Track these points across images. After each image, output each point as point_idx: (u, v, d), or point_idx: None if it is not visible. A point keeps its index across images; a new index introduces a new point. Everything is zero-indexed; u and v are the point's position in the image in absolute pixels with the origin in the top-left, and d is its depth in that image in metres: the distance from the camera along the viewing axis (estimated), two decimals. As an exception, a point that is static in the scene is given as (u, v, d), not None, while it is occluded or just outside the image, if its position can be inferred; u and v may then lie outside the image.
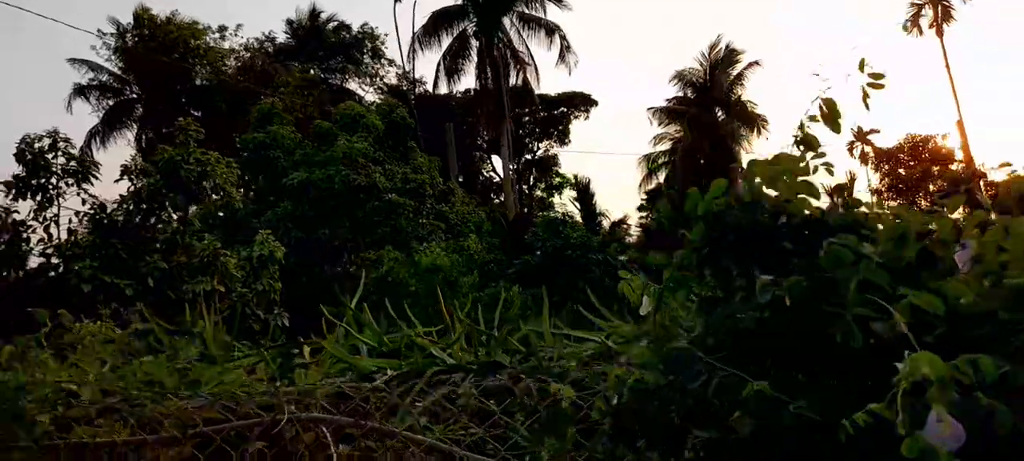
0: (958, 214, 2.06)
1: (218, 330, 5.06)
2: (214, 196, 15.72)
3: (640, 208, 49.00)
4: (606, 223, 38.33)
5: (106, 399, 3.03)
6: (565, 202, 43.67)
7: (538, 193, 55.75)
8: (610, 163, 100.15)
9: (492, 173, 53.42)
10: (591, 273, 24.20)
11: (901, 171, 35.31)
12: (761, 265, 1.89)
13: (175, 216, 14.50)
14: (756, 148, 41.54)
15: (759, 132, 44.85)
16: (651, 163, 48.70)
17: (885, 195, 36.07)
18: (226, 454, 2.83)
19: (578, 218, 34.14)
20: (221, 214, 19.95)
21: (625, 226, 40.79)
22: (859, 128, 56.87)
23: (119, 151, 38.58)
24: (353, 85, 44.75)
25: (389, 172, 20.27)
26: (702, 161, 45.44)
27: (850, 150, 56.10)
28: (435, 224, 21.87)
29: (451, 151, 33.53)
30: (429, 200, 22.59)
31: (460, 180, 33.37)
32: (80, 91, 37.37)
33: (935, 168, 34.12)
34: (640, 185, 49.91)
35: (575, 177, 38.78)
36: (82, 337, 3.32)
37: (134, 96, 39.13)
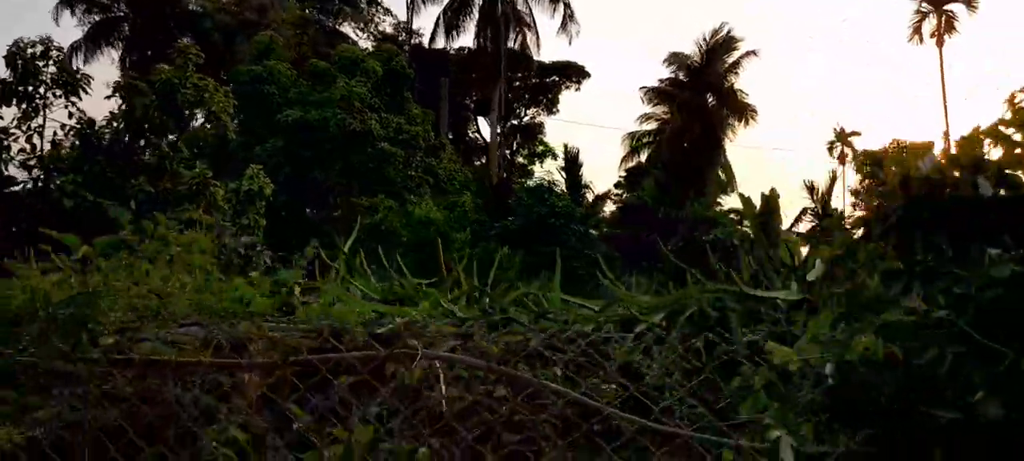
0: None
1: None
2: (207, 125, 15.38)
3: (617, 185, 48.95)
4: (590, 196, 38.33)
5: (189, 316, 2.91)
6: (550, 171, 43.45)
7: (520, 160, 55.52)
8: (597, 137, 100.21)
9: (477, 134, 53.03)
10: (569, 242, 24.27)
11: (880, 173, 35.69)
12: (981, 238, 1.82)
13: (165, 141, 14.16)
14: (741, 138, 41.71)
15: (747, 122, 45.00)
16: (635, 141, 48.65)
17: (866, 196, 36.50)
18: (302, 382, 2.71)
19: (563, 187, 34.09)
20: (209, 143, 19.57)
21: (610, 200, 40.80)
22: (841, 128, 57.36)
23: (101, 69, 37.57)
24: (347, 29, 43.93)
25: (384, 120, 20.00)
26: (687, 145, 45.55)
27: (830, 149, 56.59)
28: (424, 177, 21.70)
29: (444, 106, 33.20)
30: (419, 153, 22.38)
31: (450, 137, 33.09)
32: (67, 2, 36.23)
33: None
34: (621, 162, 49.91)
35: (565, 147, 38.62)
36: (163, 245, 3.17)
37: (121, 14, 38.04)
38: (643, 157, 51.70)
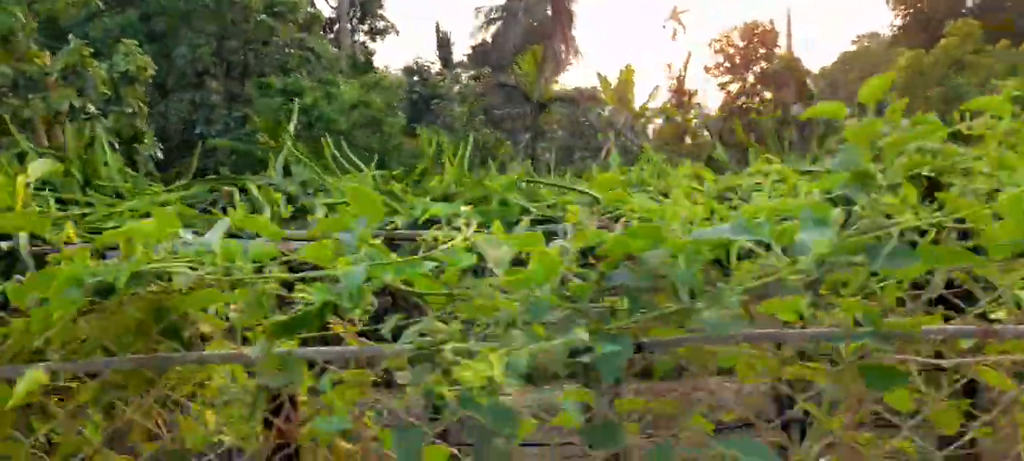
0: None
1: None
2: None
3: (451, 66, 47.53)
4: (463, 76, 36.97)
5: None
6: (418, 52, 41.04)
7: (362, 36, 52.28)
8: (440, 9, 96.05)
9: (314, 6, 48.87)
10: (453, 125, 23.23)
11: (730, 50, 37.54)
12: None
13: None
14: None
15: None
16: (487, 17, 47.30)
17: (716, 71, 38.25)
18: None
19: (440, 67, 32.58)
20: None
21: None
22: (675, 9, 59.57)
23: None
24: None
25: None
26: (536, 24, 44.97)
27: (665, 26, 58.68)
28: (303, 56, 19.45)
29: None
30: (294, 27, 19.94)
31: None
32: None
33: (761, 50, 36.67)
34: (472, 35, 48.46)
35: (437, 26, 36.58)
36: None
37: None
38: (490, 34, 50.58)
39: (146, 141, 12.65)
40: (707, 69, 38.13)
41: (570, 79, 48.92)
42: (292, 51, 19.18)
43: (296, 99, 10.84)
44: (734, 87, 37.23)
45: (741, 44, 36.65)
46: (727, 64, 36.94)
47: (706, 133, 32.93)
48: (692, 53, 44.66)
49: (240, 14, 17.13)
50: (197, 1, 16.42)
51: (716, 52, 37.35)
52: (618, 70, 41.03)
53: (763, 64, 35.68)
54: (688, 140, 34.79)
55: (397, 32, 50.22)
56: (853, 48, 45.09)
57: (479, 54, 48.58)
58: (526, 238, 1.23)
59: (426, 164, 8.36)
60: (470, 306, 1.16)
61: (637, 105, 37.05)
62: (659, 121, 36.56)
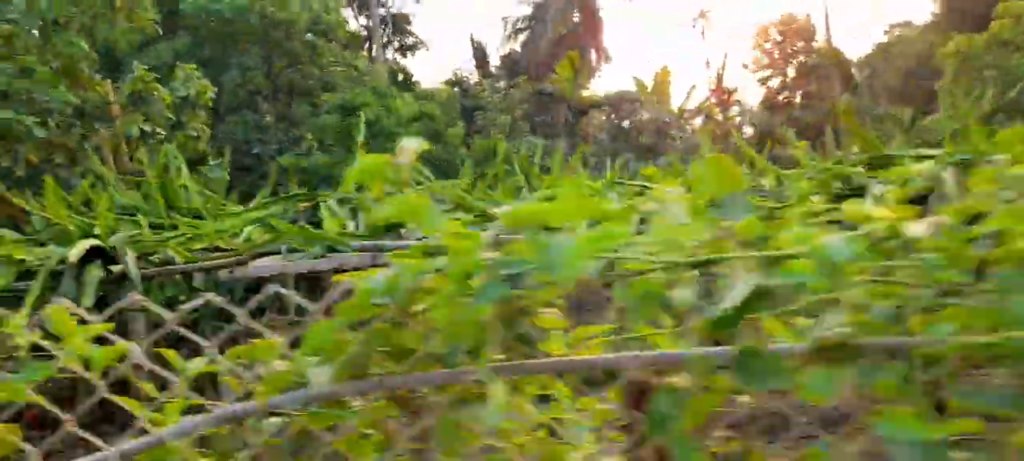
0: None
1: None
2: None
3: (488, 76, 47.56)
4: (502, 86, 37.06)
5: None
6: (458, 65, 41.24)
7: (390, 54, 52.68)
8: (462, 24, 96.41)
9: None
10: (496, 134, 23.15)
11: (768, 45, 37.08)
12: None
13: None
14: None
15: None
16: (515, 27, 47.31)
17: (754, 67, 37.81)
18: None
19: (478, 78, 32.64)
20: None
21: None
22: (702, 10, 59.15)
23: None
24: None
25: (305, 3, 17.44)
26: (564, 31, 44.83)
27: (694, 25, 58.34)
28: (347, 73, 19.49)
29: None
30: (335, 45, 20.01)
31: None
32: None
33: (799, 43, 36.16)
34: (499, 48, 48.52)
35: (472, 38, 36.71)
36: None
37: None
38: (518, 44, 50.59)
39: (211, 161, 12.68)
40: (745, 65, 37.70)
41: (599, 84, 48.64)
42: (338, 69, 19.24)
43: (360, 113, 10.75)
44: (774, 82, 36.68)
45: (778, 38, 36.12)
46: (765, 59, 36.44)
47: (749, 130, 32.49)
48: (727, 52, 44.05)
49: (284, 34, 17.21)
50: (244, 24, 16.53)
51: (753, 48, 36.94)
52: (648, 74, 40.63)
53: (802, 58, 35.08)
54: (730, 138, 34.29)
55: (427, 48, 50.73)
56: (885, 38, 44.25)
57: (509, 63, 48.62)
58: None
59: (529, 171, 8.15)
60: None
61: (674, 106, 36.70)
62: (697, 121, 36.12)
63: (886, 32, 38.78)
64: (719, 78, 37.13)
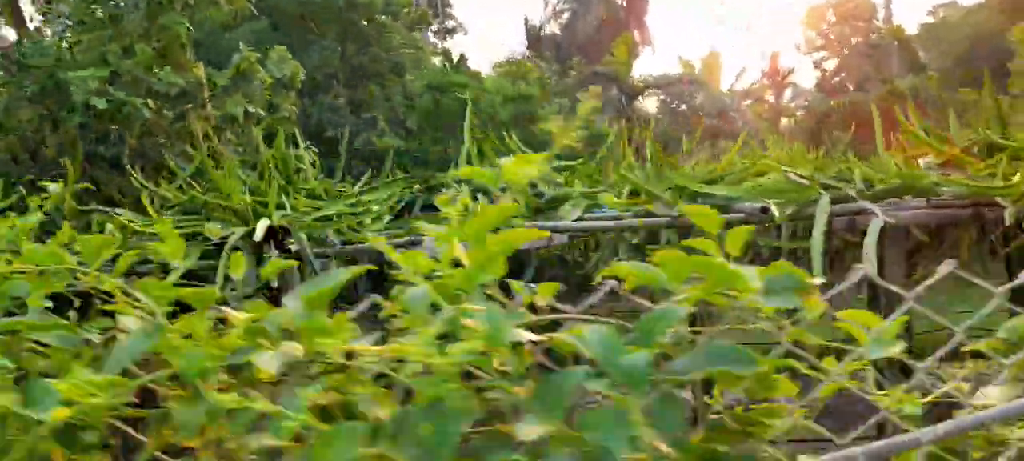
0: None
1: None
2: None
3: (542, 58, 47.43)
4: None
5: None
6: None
7: (431, 38, 52.59)
8: (495, 7, 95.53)
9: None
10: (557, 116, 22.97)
11: (824, 26, 36.39)
12: None
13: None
14: None
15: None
16: (555, 9, 46.98)
17: (808, 49, 37.18)
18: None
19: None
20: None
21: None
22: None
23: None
24: None
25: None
26: (605, 13, 44.41)
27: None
28: (417, 54, 19.46)
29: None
30: (405, 27, 19.97)
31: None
32: None
33: (859, 23, 35.40)
34: (541, 27, 48.20)
35: (526, 21, 36.51)
36: None
37: None
38: (557, 27, 50.29)
39: (306, 145, 12.73)
40: (797, 47, 37.06)
41: (642, 67, 48.21)
42: (406, 51, 19.21)
43: (466, 94, 10.70)
44: (829, 65, 35.99)
45: (834, 19, 35.33)
46: (819, 40, 35.68)
47: (801, 113, 31.90)
48: (777, 35, 43.32)
49: (360, 15, 17.21)
50: (321, 7, 16.55)
51: (807, 28, 36.24)
52: (694, 56, 40.04)
53: (859, 38, 34.30)
54: (784, 122, 33.81)
55: (466, 32, 50.59)
56: (930, 19, 43.18)
57: (551, 45, 48.39)
58: None
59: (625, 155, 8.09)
60: None
61: (723, 89, 36.25)
62: (747, 103, 35.64)
63: (929, 13, 37.94)
64: (774, 59, 36.57)
